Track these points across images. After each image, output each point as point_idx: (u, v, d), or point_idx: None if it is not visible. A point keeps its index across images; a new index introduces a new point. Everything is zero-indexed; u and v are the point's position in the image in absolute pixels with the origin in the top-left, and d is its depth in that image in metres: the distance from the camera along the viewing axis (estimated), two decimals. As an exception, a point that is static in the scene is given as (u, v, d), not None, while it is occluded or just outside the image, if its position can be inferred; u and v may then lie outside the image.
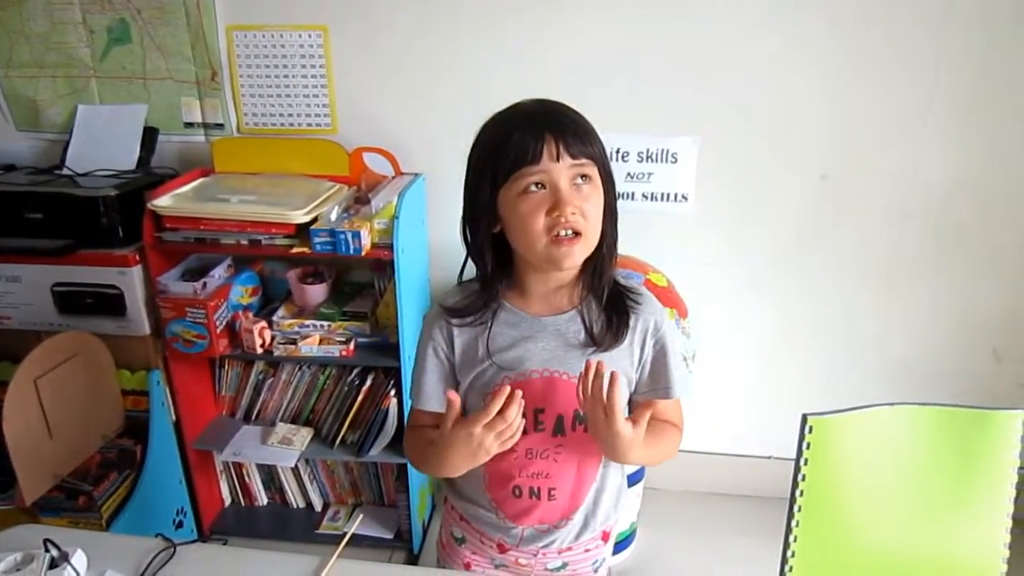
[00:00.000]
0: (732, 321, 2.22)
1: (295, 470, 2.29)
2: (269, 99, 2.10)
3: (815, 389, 2.26)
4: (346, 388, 2.09)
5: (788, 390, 2.28)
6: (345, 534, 1.14)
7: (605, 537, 1.21)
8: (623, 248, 1.10)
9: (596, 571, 1.23)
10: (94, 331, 1.85)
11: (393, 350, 1.94)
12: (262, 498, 2.37)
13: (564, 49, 1.96)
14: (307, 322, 2.01)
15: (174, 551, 1.10)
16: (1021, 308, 2.13)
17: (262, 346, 2.00)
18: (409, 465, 2.07)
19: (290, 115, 2.11)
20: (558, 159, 0.95)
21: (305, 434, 2.12)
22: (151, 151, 2.12)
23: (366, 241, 1.83)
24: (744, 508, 2.34)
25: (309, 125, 2.11)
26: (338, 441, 2.09)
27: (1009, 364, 2.18)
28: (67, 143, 2.11)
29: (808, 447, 1.20)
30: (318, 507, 2.34)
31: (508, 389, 0.97)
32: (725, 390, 2.30)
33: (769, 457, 2.36)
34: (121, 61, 2.09)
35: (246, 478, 2.33)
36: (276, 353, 2.01)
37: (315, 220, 1.84)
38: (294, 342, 1.99)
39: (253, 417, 2.21)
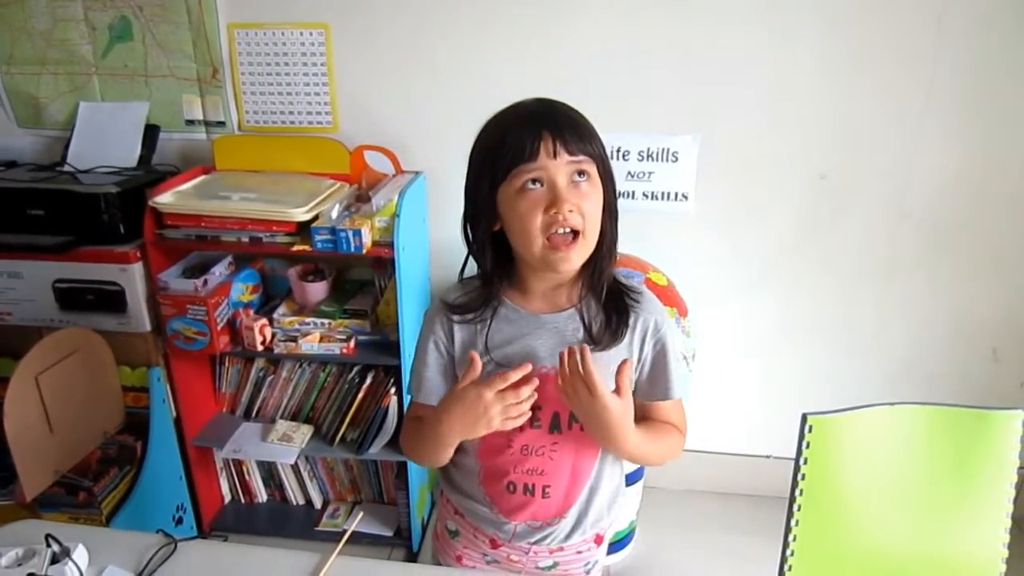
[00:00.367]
0: (732, 320, 2.22)
1: (295, 467, 2.29)
2: (270, 97, 2.10)
3: (815, 388, 2.26)
4: (346, 386, 2.10)
5: (788, 389, 2.28)
6: (345, 531, 1.14)
7: (598, 540, 1.20)
8: (623, 247, 1.10)
9: (588, 573, 1.22)
10: (95, 328, 1.85)
11: (393, 348, 1.94)
12: (262, 495, 2.37)
13: (565, 47, 1.96)
14: (307, 320, 2.01)
15: (175, 547, 1.10)
16: (1020, 308, 2.13)
17: (262, 343, 2.00)
18: (409, 463, 2.07)
19: (291, 113, 2.11)
20: (555, 156, 0.95)
21: (305, 431, 2.13)
22: (152, 148, 2.12)
23: (367, 239, 1.83)
24: (743, 507, 2.34)
25: (310, 123, 2.12)
26: (338, 438, 2.10)
27: (1008, 364, 2.19)
28: (69, 140, 2.11)
29: (808, 446, 1.20)
30: (318, 504, 2.35)
31: (529, 367, 0.99)
32: (725, 389, 2.30)
33: (769, 456, 2.37)
34: (123, 58, 2.09)
35: (246, 475, 2.33)
36: (276, 350, 2.01)
37: (316, 218, 1.84)
38: (294, 340, 1.99)
39: (253, 414, 2.21)
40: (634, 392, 1.10)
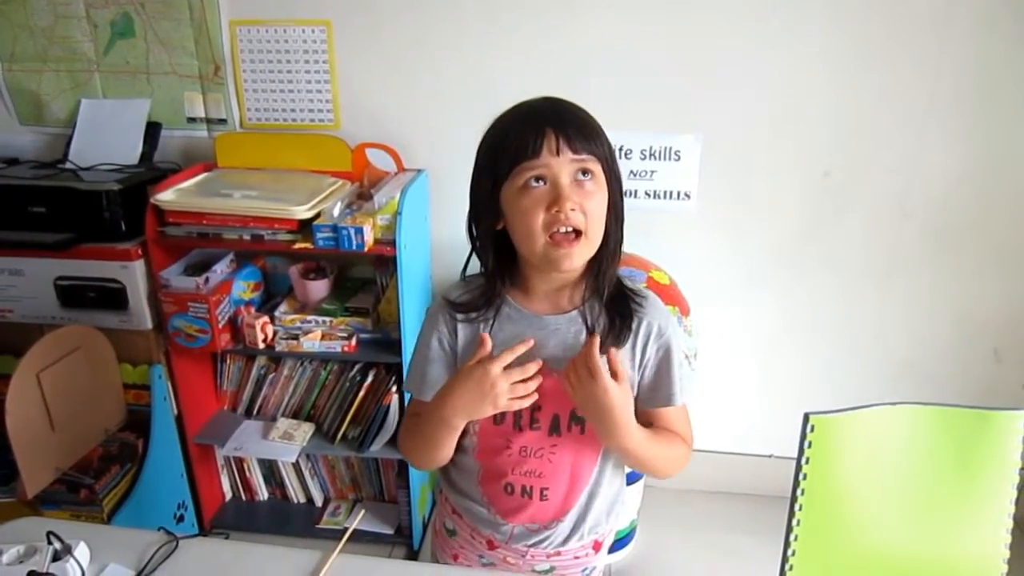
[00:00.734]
0: (734, 319, 2.22)
1: (296, 465, 2.29)
2: (272, 94, 2.10)
3: (816, 388, 2.26)
4: (347, 384, 2.09)
5: (789, 388, 2.28)
6: (346, 529, 1.14)
7: (597, 547, 1.19)
8: (625, 246, 1.09)
9: None
10: (96, 325, 1.85)
11: (395, 346, 1.94)
12: (263, 493, 2.37)
13: (567, 45, 1.96)
14: (309, 317, 2.01)
15: (176, 545, 1.10)
16: (1023, 309, 2.12)
17: (264, 341, 2.00)
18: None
19: (293, 110, 2.11)
20: (558, 153, 0.94)
21: (306, 429, 2.13)
22: (154, 146, 2.12)
23: (368, 237, 1.83)
24: (745, 507, 2.34)
25: (312, 120, 2.11)
26: (339, 436, 2.10)
27: (1011, 365, 2.18)
28: (70, 137, 2.11)
29: (810, 446, 1.20)
30: (319, 502, 2.35)
31: (532, 342, 0.98)
32: (726, 388, 2.30)
33: (770, 456, 2.36)
34: (124, 55, 2.09)
35: (247, 473, 2.33)
36: (278, 348, 2.01)
37: (318, 216, 1.84)
38: (296, 337, 1.99)
39: (254, 412, 2.21)
40: (636, 397, 1.09)
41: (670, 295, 1.87)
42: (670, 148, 2.04)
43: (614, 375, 0.97)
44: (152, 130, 2.11)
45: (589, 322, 1.05)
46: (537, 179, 0.95)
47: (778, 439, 2.30)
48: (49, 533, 1.02)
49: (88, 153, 2.07)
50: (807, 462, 1.21)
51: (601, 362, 0.96)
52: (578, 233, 0.96)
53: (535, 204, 0.95)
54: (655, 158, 2.04)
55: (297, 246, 1.85)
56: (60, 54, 2.10)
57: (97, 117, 2.12)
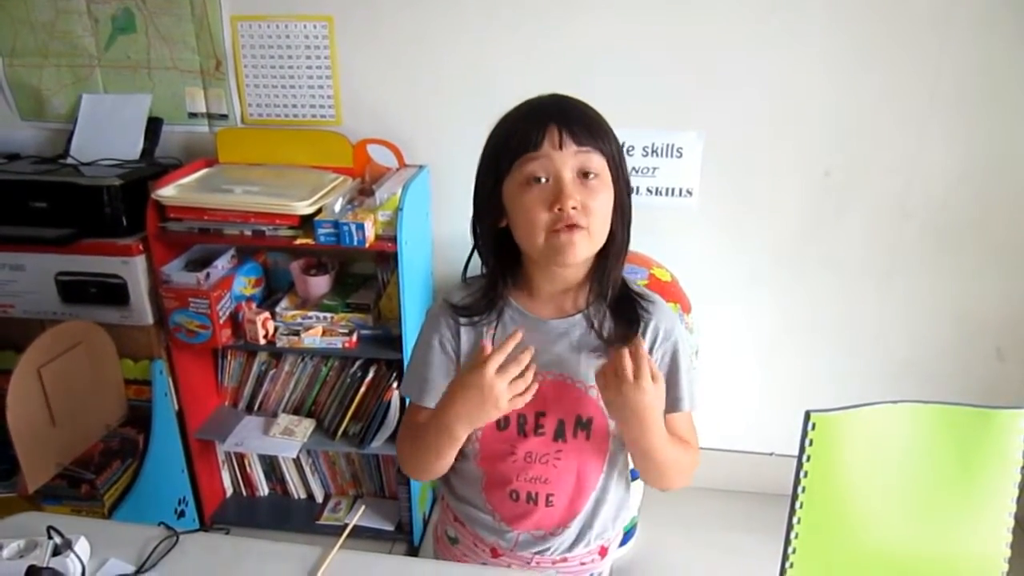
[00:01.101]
0: (735, 317, 2.22)
1: (297, 461, 2.29)
2: (273, 90, 2.09)
3: (817, 386, 2.25)
4: (348, 380, 2.09)
5: (790, 386, 2.28)
6: (346, 525, 1.14)
7: (603, 552, 1.18)
8: (627, 243, 1.08)
9: None
10: (97, 320, 1.85)
11: (396, 342, 1.94)
12: (263, 488, 2.38)
13: (568, 42, 1.95)
14: (310, 313, 2.01)
15: (177, 540, 1.10)
16: (1025, 307, 2.12)
17: (265, 337, 2.00)
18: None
19: (294, 106, 2.11)
20: (560, 147, 0.92)
21: (307, 425, 2.13)
22: (155, 141, 2.12)
23: (370, 233, 1.83)
24: (745, 504, 2.34)
25: (313, 116, 2.11)
26: (340, 433, 2.10)
27: (1013, 364, 2.18)
28: (71, 132, 2.11)
29: (811, 444, 1.20)
30: (319, 498, 2.35)
31: (521, 334, 0.95)
32: (727, 386, 2.30)
33: (771, 454, 2.36)
34: (125, 50, 2.08)
35: (248, 468, 2.34)
36: (279, 344, 2.01)
37: (319, 211, 1.84)
38: (297, 333, 1.99)
39: (255, 408, 2.21)
40: None
41: (671, 292, 1.87)
42: (672, 145, 2.03)
43: (652, 373, 0.94)
44: (153, 125, 2.11)
45: (595, 326, 1.03)
46: (539, 178, 0.93)
47: (779, 437, 2.30)
48: (49, 528, 1.02)
49: (89, 148, 2.07)
50: (808, 460, 1.21)
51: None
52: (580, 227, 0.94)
53: (537, 201, 0.93)
54: (657, 155, 2.04)
55: (298, 242, 1.85)
56: (61, 49, 2.09)
57: (98, 112, 2.12)
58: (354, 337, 2.00)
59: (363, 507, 2.25)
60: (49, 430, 1.68)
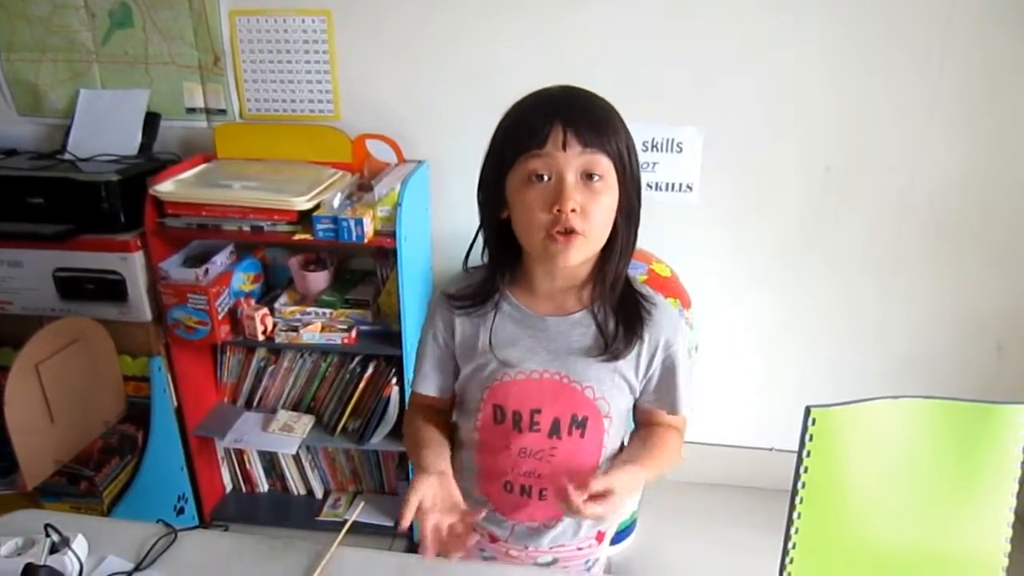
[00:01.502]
0: (735, 312, 2.21)
1: (296, 457, 2.29)
2: (272, 85, 2.09)
3: (817, 381, 2.25)
4: (347, 376, 2.09)
5: (790, 382, 2.27)
6: (346, 521, 1.13)
7: (600, 537, 1.18)
8: (627, 238, 1.07)
9: (589, 570, 1.20)
10: (95, 317, 1.85)
11: (395, 338, 1.94)
12: (263, 485, 2.38)
13: (568, 36, 1.95)
14: (309, 309, 2.01)
15: (175, 537, 1.09)
16: (1025, 302, 2.12)
17: (264, 333, 2.00)
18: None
19: (293, 101, 2.10)
20: (564, 148, 0.90)
21: (306, 421, 2.12)
22: (153, 136, 2.11)
23: (368, 228, 1.82)
24: (745, 500, 2.34)
25: (312, 111, 2.10)
26: (339, 429, 2.10)
27: (1013, 359, 2.18)
28: (69, 128, 2.10)
29: (811, 439, 1.19)
30: (319, 494, 2.35)
31: (479, 516, 0.97)
32: (727, 381, 2.30)
33: (771, 449, 2.36)
34: (123, 45, 2.07)
35: (247, 465, 2.33)
36: (278, 340, 2.01)
37: (317, 207, 1.83)
38: (296, 329, 1.99)
39: (254, 404, 2.21)
40: (638, 398, 1.08)
41: (671, 287, 1.87)
42: (672, 140, 2.02)
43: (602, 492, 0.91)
44: (151, 121, 2.11)
45: (598, 327, 1.02)
46: (541, 176, 0.92)
47: (779, 432, 2.30)
48: (47, 526, 1.01)
49: (87, 144, 2.06)
50: (808, 455, 1.20)
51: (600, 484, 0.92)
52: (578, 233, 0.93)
53: (537, 200, 0.93)
54: (657, 150, 2.03)
55: (297, 237, 1.84)
56: (58, 44, 2.09)
57: (96, 108, 2.11)
58: (353, 333, 2.00)
59: (363, 503, 2.25)
60: (47, 427, 1.68)
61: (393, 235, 1.82)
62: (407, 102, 2.07)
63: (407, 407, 1.20)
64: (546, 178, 0.92)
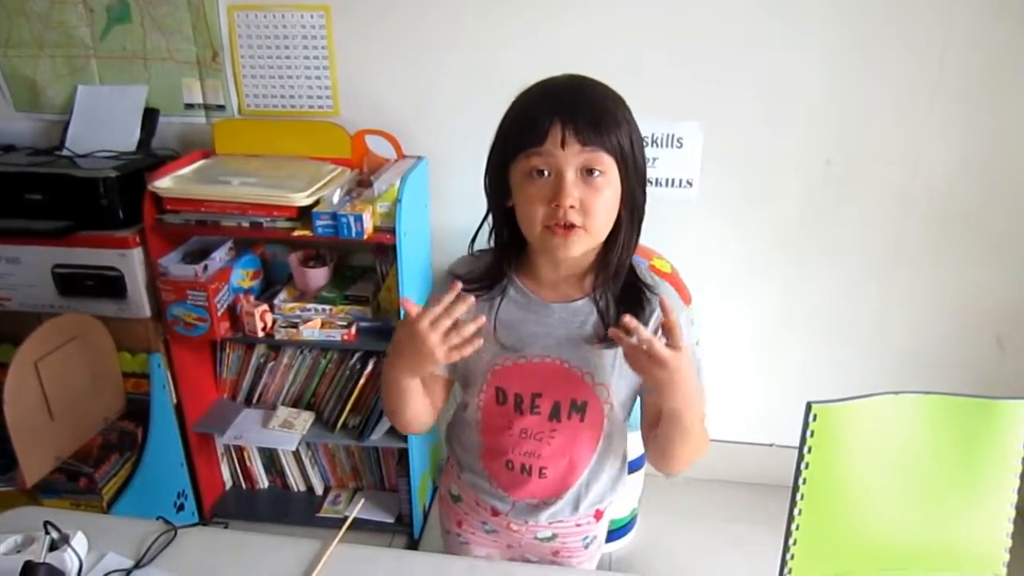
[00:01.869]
0: (736, 307, 2.21)
1: (296, 454, 2.29)
2: (271, 80, 2.08)
3: (818, 377, 2.25)
4: (347, 372, 2.09)
5: (791, 377, 2.27)
6: (346, 518, 1.13)
7: (598, 515, 1.21)
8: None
9: (587, 547, 1.23)
10: (94, 313, 1.84)
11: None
12: (263, 481, 2.37)
13: (569, 30, 1.94)
14: (308, 306, 2.00)
15: (175, 534, 1.09)
16: (1026, 297, 2.12)
17: (263, 329, 1.99)
18: (410, 450, 2.07)
19: (292, 97, 2.09)
20: (563, 146, 0.90)
21: (306, 418, 2.12)
22: (152, 132, 2.11)
23: (368, 224, 1.82)
24: (746, 495, 2.34)
25: (311, 107, 2.10)
26: (339, 425, 2.10)
27: (1013, 353, 2.17)
28: (67, 124, 2.10)
29: (812, 435, 1.19)
30: (319, 491, 2.35)
31: (459, 286, 0.95)
32: (728, 377, 2.29)
33: (771, 445, 2.36)
34: (121, 41, 2.07)
35: (247, 461, 2.33)
36: (277, 337, 2.01)
37: (317, 203, 1.83)
38: (295, 326, 1.99)
39: (254, 400, 2.21)
40: (642, 388, 1.08)
41: (672, 283, 1.86)
42: (672, 135, 2.02)
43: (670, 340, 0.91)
44: (149, 116, 2.10)
45: (600, 313, 1.02)
46: (541, 171, 0.92)
47: (780, 428, 2.30)
48: (46, 523, 1.01)
49: (85, 140, 2.06)
50: (809, 451, 1.20)
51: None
52: (577, 226, 0.93)
53: (536, 195, 0.93)
54: (657, 145, 2.03)
55: (296, 234, 1.84)
56: (56, 39, 2.08)
57: (94, 103, 2.10)
58: (353, 329, 1.99)
59: (363, 500, 2.22)
60: (47, 424, 1.67)
61: (393, 231, 1.82)
62: (406, 98, 2.06)
63: None
64: (546, 174, 0.93)
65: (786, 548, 1.25)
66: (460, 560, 1.19)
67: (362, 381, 2.06)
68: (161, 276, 1.90)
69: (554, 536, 1.19)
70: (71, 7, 2.03)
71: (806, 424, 1.18)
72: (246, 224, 1.85)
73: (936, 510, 1.29)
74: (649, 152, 2.03)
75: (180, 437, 2.11)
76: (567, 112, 0.91)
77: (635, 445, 1.17)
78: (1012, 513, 1.26)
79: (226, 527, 2.18)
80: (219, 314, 1.94)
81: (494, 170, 0.99)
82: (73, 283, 1.89)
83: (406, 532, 2.20)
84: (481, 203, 1.04)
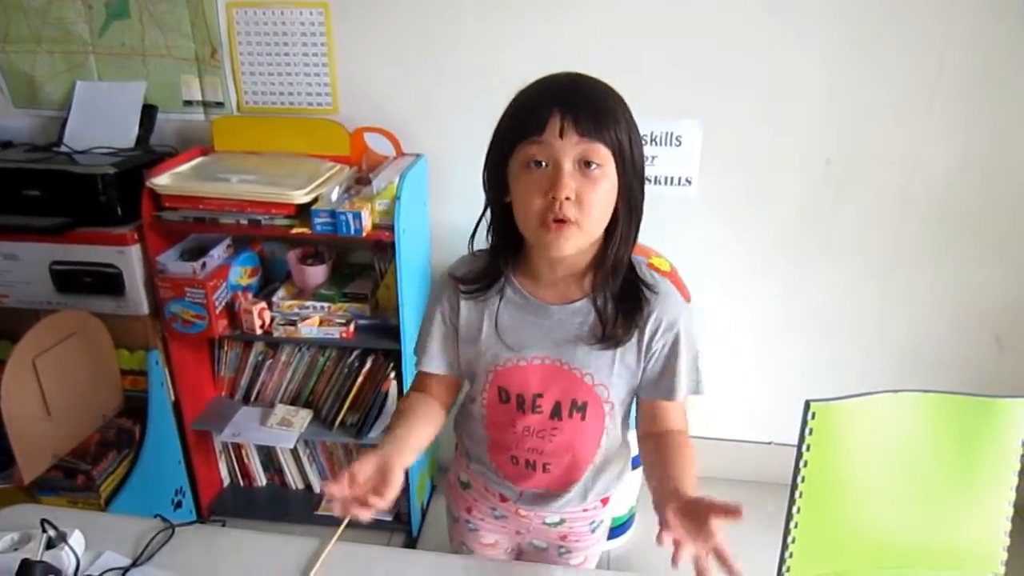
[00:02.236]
0: (735, 306, 2.21)
1: (294, 452, 2.29)
2: (269, 77, 2.07)
3: (817, 375, 2.25)
4: (346, 370, 2.09)
5: (790, 376, 2.27)
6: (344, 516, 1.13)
7: (605, 501, 1.22)
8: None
9: (593, 532, 1.24)
10: (92, 310, 1.84)
11: (393, 332, 1.93)
12: (261, 479, 2.37)
13: (568, 28, 1.93)
14: (307, 303, 2.00)
15: (172, 532, 1.09)
16: (1024, 296, 2.12)
17: (261, 327, 1.99)
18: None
19: (291, 94, 2.09)
20: (562, 136, 0.90)
21: (304, 416, 2.12)
22: (150, 129, 2.10)
23: (367, 222, 1.82)
24: (744, 493, 2.31)
25: (310, 104, 2.09)
26: (337, 423, 2.09)
27: (1013, 353, 2.17)
28: (65, 120, 2.09)
29: (810, 433, 1.20)
30: (317, 489, 2.34)
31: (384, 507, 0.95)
32: (727, 375, 2.29)
33: (770, 443, 2.36)
34: (120, 37, 2.06)
35: (245, 459, 2.33)
36: (275, 334, 2.00)
37: (315, 200, 1.83)
38: (294, 323, 1.98)
39: (252, 398, 2.21)
40: (638, 386, 1.09)
41: (671, 281, 1.86)
42: (671, 133, 2.02)
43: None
44: (148, 113, 2.09)
45: (599, 314, 1.02)
46: (539, 163, 0.92)
47: (778, 426, 2.29)
48: (43, 521, 1.01)
49: (83, 136, 2.05)
50: (808, 449, 1.21)
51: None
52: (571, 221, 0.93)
53: (533, 186, 0.93)
54: (656, 143, 2.03)
55: (295, 231, 1.83)
56: (54, 35, 2.07)
57: (92, 100, 2.10)
58: (351, 327, 1.99)
59: (361, 497, 2.24)
60: (44, 421, 1.67)
61: (391, 229, 1.81)
62: (406, 95, 2.05)
63: (410, 388, 1.20)
64: (544, 165, 0.92)
65: (785, 546, 1.25)
66: (458, 558, 1.19)
67: (360, 379, 2.06)
68: (159, 273, 1.90)
69: (562, 521, 1.20)
70: (69, 3, 2.03)
71: (805, 422, 1.18)
72: (244, 221, 1.85)
73: (935, 509, 1.29)
74: (648, 150, 2.03)
75: (178, 435, 2.10)
76: (567, 103, 0.91)
77: (634, 444, 1.17)
78: (1010, 511, 1.26)
79: (224, 525, 2.17)
80: (217, 311, 1.94)
81: (493, 165, 0.99)
82: (71, 280, 1.89)
83: (404, 530, 2.20)
84: (480, 201, 1.04)
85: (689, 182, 2.06)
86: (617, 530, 2.13)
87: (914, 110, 1.94)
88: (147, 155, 2.01)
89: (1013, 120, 1.93)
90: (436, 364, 1.12)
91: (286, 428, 2.08)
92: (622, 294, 1.03)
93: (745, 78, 1.95)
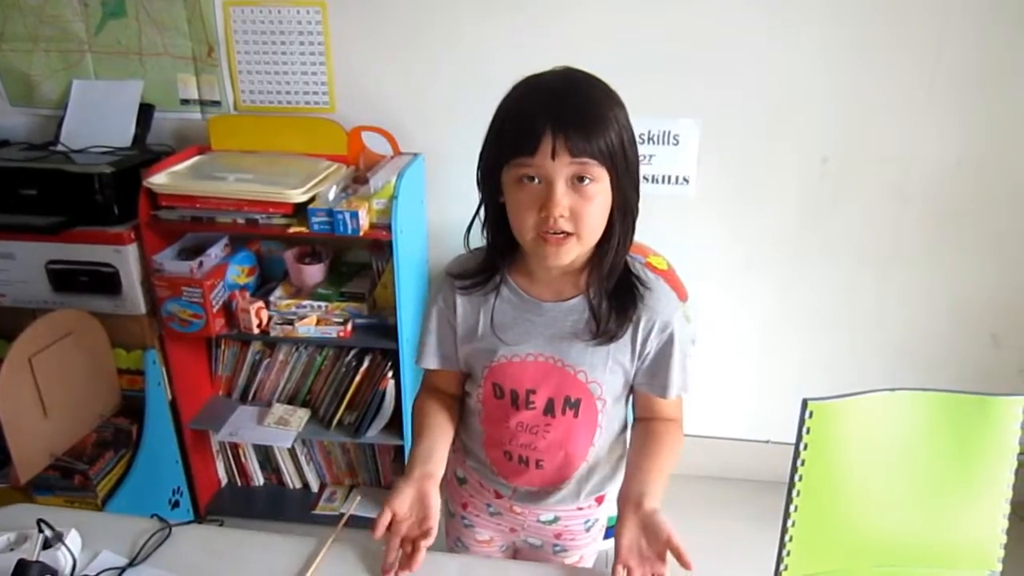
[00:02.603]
0: (732, 304, 2.21)
1: (292, 451, 2.28)
2: (267, 76, 2.07)
3: (814, 373, 2.25)
4: (343, 369, 2.09)
5: (787, 374, 2.27)
6: (342, 515, 1.13)
7: (600, 500, 1.22)
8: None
9: (588, 530, 1.25)
10: (89, 310, 1.84)
11: (391, 331, 1.93)
12: (258, 479, 2.37)
13: (565, 27, 1.94)
14: (304, 302, 2.00)
15: (169, 532, 1.09)
16: (1020, 294, 2.12)
17: (259, 326, 1.99)
18: (406, 447, 2.07)
19: (288, 93, 2.08)
20: (554, 157, 0.89)
21: (302, 415, 2.12)
22: (147, 128, 2.10)
23: (364, 221, 1.81)
24: (741, 492, 2.34)
25: (307, 103, 2.09)
26: (335, 422, 2.09)
27: (1008, 350, 2.18)
28: (62, 119, 2.09)
29: (808, 432, 1.19)
30: (315, 488, 2.34)
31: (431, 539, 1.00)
32: (724, 374, 2.30)
33: (767, 441, 2.37)
34: (116, 36, 2.06)
35: (242, 458, 2.33)
36: (273, 333, 2.00)
37: (313, 199, 1.82)
38: (291, 323, 1.98)
39: (250, 397, 2.21)
40: (632, 381, 1.10)
41: (668, 280, 1.85)
42: (668, 132, 2.02)
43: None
44: (145, 112, 2.09)
45: (592, 313, 1.03)
46: (532, 178, 0.93)
47: (776, 424, 2.30)
48: (39, 521, 1.00)
49: (80, 135, 2.05)
50: (805, 448, 1.20)
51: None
52: (568, 234, 0.94)
53: (527, 202, 0.93)
54: (653, 142, 2.03)
55: (292, 230, 1.83)
56: (51, 34, 2.06)
57: (89, 98, 2.09)
58: (349, 326, 1.99)
59: (359, 497, 2.25)
60: (41, 420, 1.67)
61: (389, 228, 1.81)
62: (403, 94, 2.05)
63: (419, 388, 1.23)
64: (536, 181, 0.93)
65: (782, 544, 1.25)
66: (455, 558, 1.19)
67: (358, 378, 2.06)
68: (156, 272, 1.89)
69: (556, 519, 1.21)
70: (65, 1, 2.02)
71: (802, 421, 1.18)
72: (242, 220, 1.85)
73: (932, 507, 1.29)
74: (645, 149, 2.03)
75: (175, 434, 2.10)
76: (557, 119, 0.89)
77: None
78: (1007, 509, 1.26)
79: (221, 525, 2.17)
80: (214, 311, 1.93)
81: (487, 168, 0.99)
82: (68, 279, 1.88)
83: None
84: (477, 200, 1.04)
85: (687, 181, 2.06)
86: (614, 529, 2.13)
87: (911, 108, 1.95)
88: (144, 154, 2.01)
89: (1009, 118, 1.93)
90: (437, 361, 1.14)
91: (283, 427, 2.08)
92: (616, 291, 1.03)
93: (742, 77, 1.95)
